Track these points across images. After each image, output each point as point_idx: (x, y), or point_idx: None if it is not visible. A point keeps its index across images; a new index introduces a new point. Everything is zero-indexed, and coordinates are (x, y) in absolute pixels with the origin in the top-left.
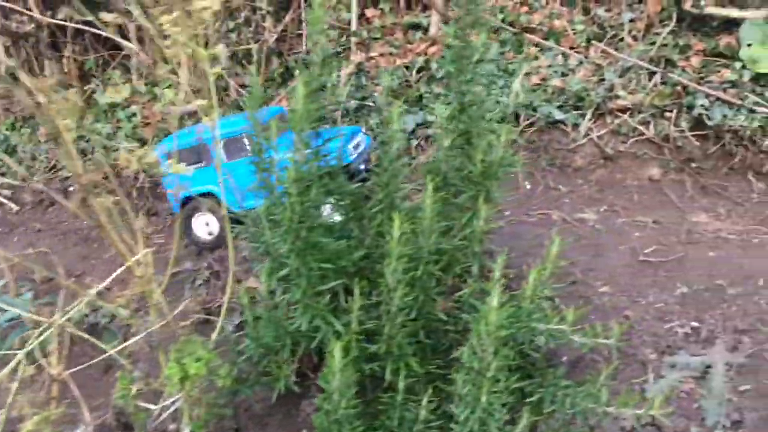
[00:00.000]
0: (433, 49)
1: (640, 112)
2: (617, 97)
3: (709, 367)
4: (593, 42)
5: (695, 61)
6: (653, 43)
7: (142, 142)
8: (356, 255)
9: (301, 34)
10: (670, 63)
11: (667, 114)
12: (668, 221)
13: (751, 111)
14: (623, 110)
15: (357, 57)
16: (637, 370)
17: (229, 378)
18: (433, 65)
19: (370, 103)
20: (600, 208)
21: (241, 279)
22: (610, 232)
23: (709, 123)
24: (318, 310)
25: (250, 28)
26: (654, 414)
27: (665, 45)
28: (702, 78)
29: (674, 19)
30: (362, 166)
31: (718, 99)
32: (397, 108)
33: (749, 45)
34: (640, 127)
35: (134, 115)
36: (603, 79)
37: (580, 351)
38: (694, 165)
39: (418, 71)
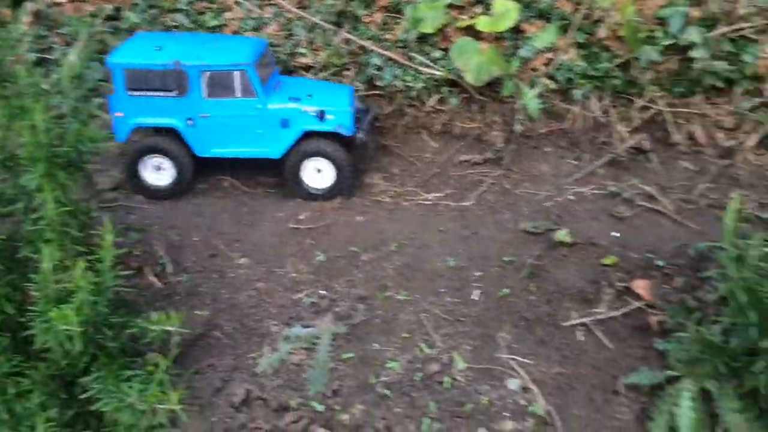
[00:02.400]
0: None
1: (322, 71)
2: (301, 54)
3: (318, 337)
4: None
5: (378, 17)
6: None
7: None
8: None
9: None
10: (356, 18)
11: (346, 73)
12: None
13: (418, 71)
14: (307, 68)
15: (37, 3)
16: (257, 343)
17: None
18: (127, 14)
19: (51, 57)
20: None
21: None
22: (274, 202)
23: (380, 83)
24: None
25: None
26: (174, 408)
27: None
28: (383, 35)
29: None
30: (364, 137)
31: (390, 59)
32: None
33: (419, 2)
34: None
35: None
36: (292, 35)
37: (196, 331)
38: (376, 124)
39: (107, 20)
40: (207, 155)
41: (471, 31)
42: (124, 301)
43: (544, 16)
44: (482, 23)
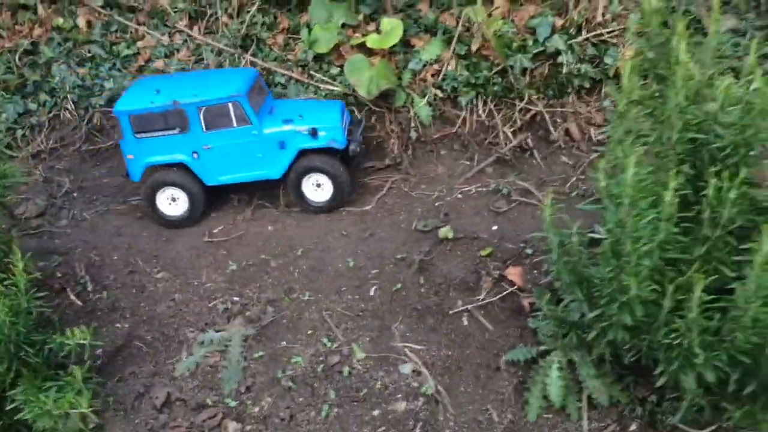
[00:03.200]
0: (38, 32)
1: None
2: None
3: (230, 340)
4: (169, 26)
5: (280, 38)
6: (242, 22)
7: None
8: None
9: None
10: (260, 41)
11: None
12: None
13: (318, 88)
14: None
15: None
16: (176, 349)
17: None
18: (42, 48)
19: None
20: None
21: None
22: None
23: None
24: None
25: None
26: (85, 411)
27: (256, 23)
28: (285, 55)
29: None
30: (357, 148)
31: (291, 77)
32: None
33: (315, 24)
34: None
35: None
36: (202, 59)
37: (118, 343)
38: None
39: (25, 55)
40: (215, 183)
41: (364, 48)
42: (47, 320)
43: (430, 30)
44: (371, 41)
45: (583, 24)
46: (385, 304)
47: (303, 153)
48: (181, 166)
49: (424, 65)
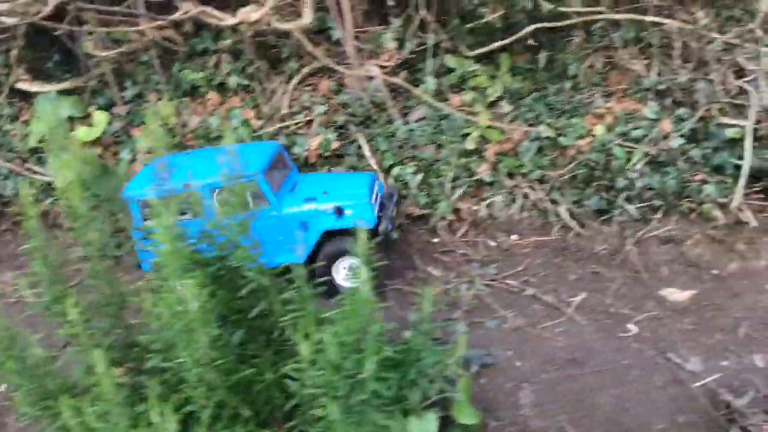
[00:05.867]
0: None
1: None
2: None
3: None
4: None
5: (17, 128)
6: None
7: None
8: None
9: None
10: (6, 132)
11: None
12: None
13: (32, 178)
14: None
15: None
16: None
17: None
18: None
19: None
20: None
21: None
22: None
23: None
24: None
25: None
26: None
27: (2, 115)
28: (16, 146)
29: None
30: (389, 226)
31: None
32: None
33: (35, 117)
34: None
35: None
36: None
37: None
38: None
39: None
40: None
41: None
42: None
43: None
44: (81, 133)
45: (273, 116)
46: None
47: (328, 234)
48: None
49: (135, 154)
